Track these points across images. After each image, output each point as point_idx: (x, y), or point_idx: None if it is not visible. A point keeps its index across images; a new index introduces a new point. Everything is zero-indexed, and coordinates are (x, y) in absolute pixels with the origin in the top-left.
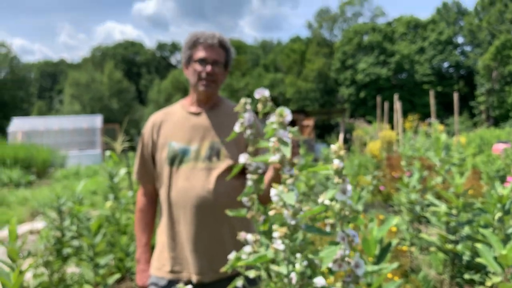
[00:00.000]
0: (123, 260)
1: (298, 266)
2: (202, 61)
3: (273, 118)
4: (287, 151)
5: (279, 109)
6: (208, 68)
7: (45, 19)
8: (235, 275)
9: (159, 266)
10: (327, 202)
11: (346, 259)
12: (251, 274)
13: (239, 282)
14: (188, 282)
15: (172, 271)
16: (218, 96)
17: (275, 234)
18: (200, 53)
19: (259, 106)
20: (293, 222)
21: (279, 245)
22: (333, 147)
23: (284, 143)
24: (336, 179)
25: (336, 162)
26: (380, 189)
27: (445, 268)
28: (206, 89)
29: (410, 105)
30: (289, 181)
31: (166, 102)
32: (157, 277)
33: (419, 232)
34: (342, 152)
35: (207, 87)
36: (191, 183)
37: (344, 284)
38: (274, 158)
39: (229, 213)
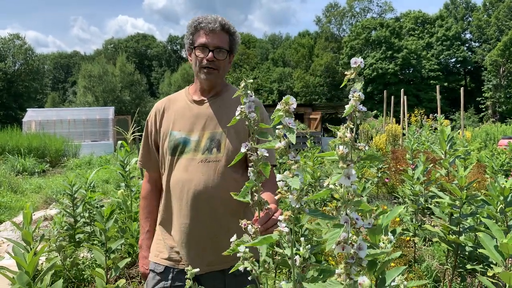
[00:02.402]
0: (133, 246)
1: (302, 249)
2: (204, 47)
3: (279, 105)
4: (293, 138)
5: (285, 97)
6: (210, 54)
7: (58, 12)
8: (227, 269)
9: (157, 253)
10: (331, 186)
11: (349, 241)
12: (246, 265)
13: (241, 266)
14: (182, 270)
15: (169, 259)
16: (222, 83)
17: (280, 217)
18: (201, 39)
19: (350, 73)
20: (297, 206)
21: (284, 228)
22: (339, 133)
23: (290, 130)
24: (341, 164)
25: (341, 148)
26: (385, 181)
27: (447, 259)
28: (208, 77)
29: (417, 100)
30: (294, 166)
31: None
32: (154, 263)
33: (422, 223)
34: (347, 139)
35: (209, 75)
36: (189, 175)
37: (346, 266)
38: (279, 144)
39: (235, 196)
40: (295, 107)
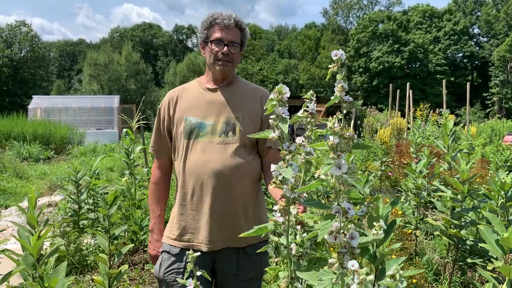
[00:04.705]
0: (136, 233)
1: (298, 238)
2: (219, 42)
3: (272, 95)
4: (286, 128)
5: (278, 86)
6: (225, 48)
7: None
8: (241, 248)
9: (171, 235)
10: (323, 177)
11: (342, 231)
12: (282, 240)
13: (269, 248)
14: (198, 251)
15: (183, 240)
16: (233, 74)
17: (275, 207)
18: (217, 34)
19: (333, 66)
20: (292, 196)
21: (279, 217)
22: (329, 124)
23: (283, 120)
24: (332, 155)
25: (332, 138)
26: (389, 175)
27: (448, 253)
28: (222, 69)
29: (423, 94)
30: (288, 157)
31: (181, 85)
32: (169, 245)
33: (425, 216)
34: (338, 129)
35: (223, 66)
36: (208, 156)
37: (339, 255)
38: (273, 134)
39: (271, 186)
40: (288, 96)
